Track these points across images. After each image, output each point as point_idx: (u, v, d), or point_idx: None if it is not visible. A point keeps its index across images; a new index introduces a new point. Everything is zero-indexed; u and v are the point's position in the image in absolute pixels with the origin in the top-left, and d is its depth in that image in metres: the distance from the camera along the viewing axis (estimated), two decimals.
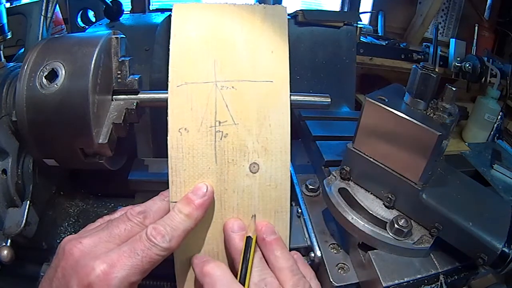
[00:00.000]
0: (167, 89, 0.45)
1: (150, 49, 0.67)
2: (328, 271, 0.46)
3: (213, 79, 0.45)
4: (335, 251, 0.49)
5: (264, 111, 0.45)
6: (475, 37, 1.26)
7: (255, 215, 0.45)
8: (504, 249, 0.39)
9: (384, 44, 1.33)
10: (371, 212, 0.45)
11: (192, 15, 0.47)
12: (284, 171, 0.46)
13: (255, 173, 0.45)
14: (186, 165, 0.44)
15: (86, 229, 0.44)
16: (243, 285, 0.38)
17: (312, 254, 0.47)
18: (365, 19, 1.52)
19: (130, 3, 1.16)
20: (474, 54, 1.23)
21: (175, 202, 0.44)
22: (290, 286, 0.39)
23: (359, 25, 0.96)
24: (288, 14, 0.49)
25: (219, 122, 0.44)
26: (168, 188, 0.44)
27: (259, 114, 0.45)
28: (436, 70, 0.57)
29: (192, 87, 0.45)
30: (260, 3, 0.50)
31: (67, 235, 0.59)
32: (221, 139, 0.44)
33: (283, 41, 0.48)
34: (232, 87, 0.45)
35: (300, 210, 0.54)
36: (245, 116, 0.45)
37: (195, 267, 0.42)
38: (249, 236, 0.41)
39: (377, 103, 0.43)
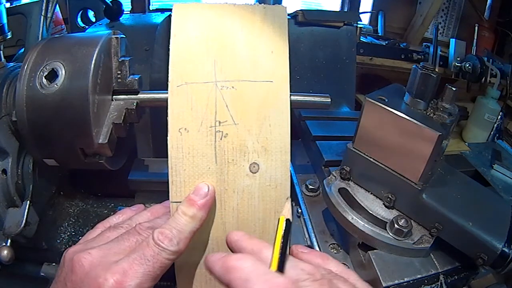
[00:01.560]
0: (167, 89, 0.45)
1: (150, 49, 0.67)
2: None
3: (213, 79, 0.45)
4: (335, 251, 0.49)
5: (264, 111, 0.45)
6: (475, 37, 1.26)
7: (289, 197, 0.44)
8: (504, 249, 0.39)
9: (384, 44, 1.33)
10: (371, 212, 0.45)
11: (192, 15, 0.47)
12: (284, 171, 0.45)
13: (255, 173, 0.45)
14: (186, 165, 0.44)
15: (87, 237, 0.44)
16: (282, 272, 0.34)
17: None
18: (365, 19, 1.52)
19: (130, 3, 1.17)
20: (474, 54, 1.23)
21: (175, 202, 0.44)
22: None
23: (359, 25, 0.96)
24: (288, 14, 0.49)
25: (219, 122, 0.44)
26: (168, 188, 0.44)
27: (259, 114, 0.45)
28: (436, 70, 0.57)
29: (192, 87, 0.45)
30: (260, 3, 0.50)
31: (67, 235, 0.59)
32: (221, 139, 0.44)
33: (283, 41, 0.48)
34: (232, 87, 0.45)
35: (300, 210, 0.54)
36: (245, 116, 0.45)
37: (214, 266, 0.37)
38: (288, 219, 0.38)
39: (377, 103, 0.43)
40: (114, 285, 0.34)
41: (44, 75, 0.43)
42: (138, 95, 0.49)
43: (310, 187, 0.59)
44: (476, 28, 1.27)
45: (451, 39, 1.30)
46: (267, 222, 0.46)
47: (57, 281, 0.38)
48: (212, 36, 0.47)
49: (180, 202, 0.43)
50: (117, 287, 0.34)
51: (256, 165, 0.45)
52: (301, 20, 0.87)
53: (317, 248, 0.48)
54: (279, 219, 0.39)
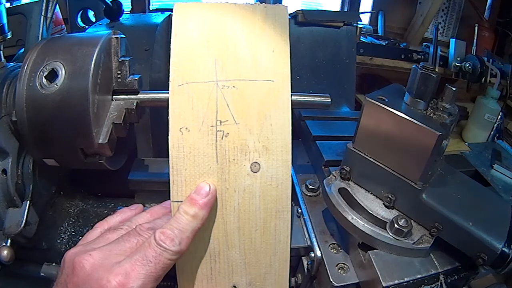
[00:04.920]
0: (167, 89, 0.45)
1: (150, 49, 0.67)
2: (328, 271, 0.46)
3: (214, 79, 0.45)
4: (335, 251, 0.49)
5: (265, 110, 0.45)
6: (475, 37, 1.26)
7: None
8: (504, 249, 0.39)
9: (384, 44, 1.33)
10: (371, 212, 0.45)
11: (193, 15, 0.47)
12: (285, 171, 0.45)
13: (256, 172, 0.45)
14: (187, 164, 0.44)
15: (86, 237, 0.44)
16: None
17: (312, 254, 0.47)
18: (365, 19, 1.52)
19: (130, 3, 1.17)
20: (474, 54, 1.23)
21: (176, 201, 0.44)
22: None
23: (359, 25, 0.96)
24: (288, 14, 0.49)
25: (220, 122, 0.44)
26: (168, 188, 0.44)
27: (260, 113, 0.45)
28: (436, 70, 0.57)
29: (193, 87, 0.45)
30: (260, 3, 0.49)
31: (67, 235, 0.59)
32: (222, 138, 0.44)
33: (284, 41, 0.48)
34: (233, 86, 0.45)
35: (300, 210, 0.54)
36: (246, 115, 0.45)
37: None
38: None
39: (377, 103, 0.43)
40: (117, 287, 0.34)
41: (44, 75, 0.43)
42: (138, 95, 0.49)
43: (310, 187, 0.59)
44: (476, 28, 1.27)
45: (451, 39, 1.30)
46: (268, 221, 0.46)
47: (58, 283, 0.38)
48: (213, 36, 0.47)
49: (181, 201, 0.43)
50: None
51: (257, 164, 0.45)
52: (301, 20, 0.87)
53: (317, 248, 0.48)
54: None
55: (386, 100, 0.43)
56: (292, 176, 0.52)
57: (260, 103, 0.45)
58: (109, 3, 0.77)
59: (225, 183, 0.45)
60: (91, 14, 1.03)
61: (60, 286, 0.38)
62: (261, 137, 0.45)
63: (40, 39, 0.59)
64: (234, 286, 0.46)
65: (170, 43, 0.46)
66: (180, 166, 0.44)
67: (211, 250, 0.45)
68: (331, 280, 0.45)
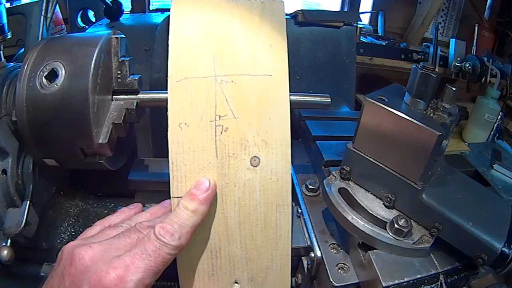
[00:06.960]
0: (167, 89, 0.45)
1: (150, 49, 0.67)
2: (328, 271, 0.46)
3: (212, 74, 0.45)
4: (335, 251, 0.49)
5: (263, 104, 0.45)
6: (475, 37, 1.26)
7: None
8: (504, 249, 0.39)
9: (384, 44, 1.33)
10: (371, 212, 0.45)
11: (191, 11, 0.47)
12: (285, 164, 0.45)
13: (256, 166, 0.45)
14: (187, 159, 0.44)
15: (86, 234, 0.43)
16: None
17: (312, 254, 0.47)
18: (365, 19, 1.52)
19: (130, 3, 1.17)
20: (474, 54, 1.23)
21: (176, 197, 0.44)
22: None
23: (359, 25, 0.96)
24: (288, 14, 0.49)
25: (219, 116, 0.44)
26: (168, 188, 0.44)
27: (259, 107, 0.45)
28: (436, 70, 0.57)
29: (191, 82, 0.45)
30: None
31: (67, 235, 0.59)
32: (221, 133, 0.44)
33: (281, 35, 0.48)
34: (232, 81, 0.45)
35: (300, 210, 0.54)
36: (245, 110, 0.45)
37: None
38: None
39: (377, 103, 0.43)
40: (116, 279, 0.34)
41: (44, 75, 0.43)
42: (138, 95, 0.50)
43: (310, 187, 0.59)
44: (476, 28, 1.27)
45: (451, 39, 1.29)
46: (269, 216, 0.46)
47: (53, 275, 0.38)
48: (211, 31, 0.47)
49: (181, 197, 0.43)
50: (118, 282, 0.34)
51: (256, 158, 0.45)
52: (301, 20, 0.87)
53: (317, 248, 0.48)
54: None
55: (386, 100, 0.43)
56: (292, 176, 0.52)
57: (258, 98, 0.45)
58: (109, 3, 0.77)
59: (225, 178, 0.45)
60: (91, 14, 1.03)
61: (55, 277, 0.37)
62: (260, 131, 0.45)
63: (40, 39, 0.59)
64: (236, 282, 0.46)
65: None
66: (180, 161, 0.44)
67: (212, 246, 0.45)
68: (331, 280, 0.45)
